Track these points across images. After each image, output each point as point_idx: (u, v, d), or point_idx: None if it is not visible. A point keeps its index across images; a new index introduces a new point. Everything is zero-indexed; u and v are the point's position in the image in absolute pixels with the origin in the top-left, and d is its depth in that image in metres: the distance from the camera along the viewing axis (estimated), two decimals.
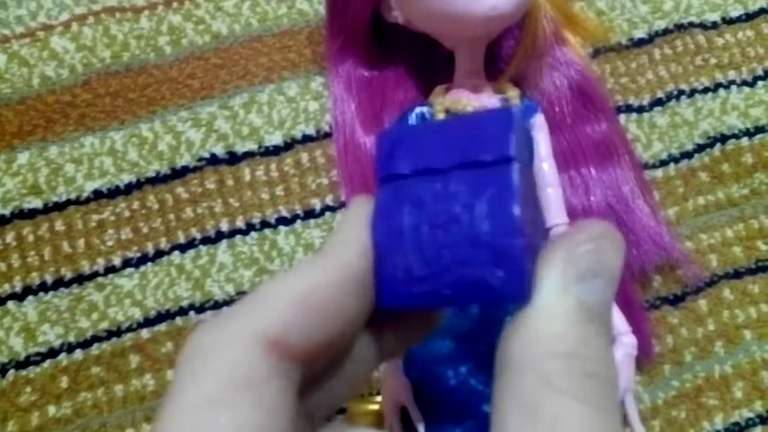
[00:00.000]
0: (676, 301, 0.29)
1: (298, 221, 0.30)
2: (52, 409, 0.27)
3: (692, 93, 0.32)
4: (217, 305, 0.29)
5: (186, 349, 0.12)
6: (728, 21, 0.33)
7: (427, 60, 0.30)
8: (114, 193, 0.30)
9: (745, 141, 0.31)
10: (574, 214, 0.27)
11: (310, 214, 0.30)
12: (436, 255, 0.12)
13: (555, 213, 0.26)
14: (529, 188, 0.13)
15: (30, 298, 0.29)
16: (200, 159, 0.31)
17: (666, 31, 0.33)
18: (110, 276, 0.29)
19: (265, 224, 0.30)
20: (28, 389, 0.28)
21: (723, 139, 0.31)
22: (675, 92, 0.32)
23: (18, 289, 0.29)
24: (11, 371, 0.28)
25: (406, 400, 0.24)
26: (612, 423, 0.11)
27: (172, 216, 0.30)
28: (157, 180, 0.30)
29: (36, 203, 0.30)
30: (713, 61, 0.33)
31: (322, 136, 0.31)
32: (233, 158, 0.31)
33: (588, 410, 0.11)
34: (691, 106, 0.32)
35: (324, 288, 0.12)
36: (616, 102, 0.32)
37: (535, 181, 0.27)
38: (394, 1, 0.27)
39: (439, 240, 0.12)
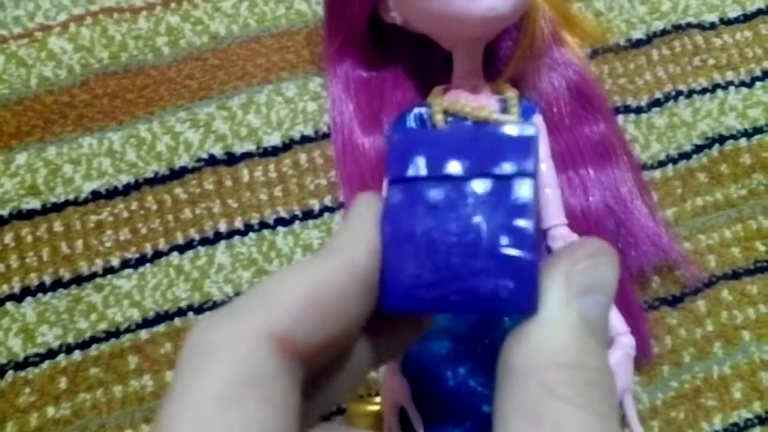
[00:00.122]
0: (674, 301, 0.29)
1: (297, 222, 0.30)
2: (50, 410, 0.27)
3: (690, 94, 0.32)
4: (215, 306, 0.29)
5: (187, 345, 0.12)
6: (726, 22, 0.33)
7: (425, 61, 0.30)
8: (112, 193, 0.30)
9: (743, 142, 0.31)
10: (572, 215, 0.27)
11: (308, 214, 0.30)
12: (447, 262, 0.13)
13: (553, 214, 0.26)
14: (537, 199, 0.13)
15: (28, 299, 0.29)
16: (198, 160, 0.31)
17: (664, 32, 0.33)
18: (109, 277, 0.29)
19: (263, 225, 0.30)
20: (27, 390, 0.28)
21: (721, 139, 0.31)
22: (673, 93, 0.32)
23: (16, 290, 0.29)
24: (10, 372, 0.28)
25: (405, 401, 0.24)
26: (611, 427, 0.12)
27: (170, 217, 0.30)
28: (156, 181, 0.30)
29: (34, 204, 0.30)
30: (711, 61, 0.33)
31: (321, 137, 0.31)
32: (231, 159, 0.31)
33: (589, 416, 0.11)
34: (689, 107, 0.32)
35: (330, 286, 0.12)
36: (615, 103, 0.32)
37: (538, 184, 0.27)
38: (392, 2, 0.27)
39: (452, 247, 0.13)
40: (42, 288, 0.29)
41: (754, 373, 0.29)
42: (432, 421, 0.23)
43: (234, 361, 0.11)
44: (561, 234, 0.26)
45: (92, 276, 0.29)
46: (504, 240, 0.12)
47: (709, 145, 0.31)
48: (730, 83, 0.32)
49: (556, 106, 0.29)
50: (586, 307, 0.12)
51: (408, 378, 0.24)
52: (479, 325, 0.24)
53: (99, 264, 0.29)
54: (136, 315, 0.29)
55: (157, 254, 0.29)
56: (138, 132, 0.31)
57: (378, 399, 0.25)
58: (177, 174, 0.30)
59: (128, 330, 0.28)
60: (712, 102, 0.32)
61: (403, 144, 0.14)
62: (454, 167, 0.13)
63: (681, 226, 0.30)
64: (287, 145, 0.31)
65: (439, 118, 0.26)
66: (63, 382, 0.28)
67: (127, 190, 0.30)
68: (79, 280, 0.29)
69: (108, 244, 0.30)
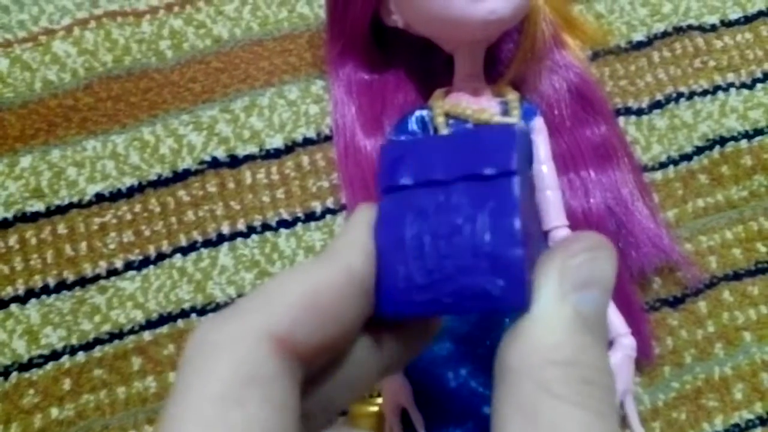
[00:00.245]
0: (675, 302, 0.29)
1: (299, 224, 0.30)
2: (54, 411, 0.28)
3: (691, 95, 0.32)
4: (218, 307, 0.29)
5: (189, 346, 0.12)
6: (727, 24, 0.33)
7: (426, 63, 0.30)
8: (116, 196, 0.30)
9: (744, 143, 0.32)
10: (573, 217, 0.27)
11: (310, 216, 0.30)
12: (437, 264, 0.13)
13: (554, 216, 0.26)
14: (528, 199, 0.13)
15: (33, 300, 0.29)
16: (201, 162, 0.31)
17: (665, 34, 0.33)
18: (112, 279, 0.29)
19: (266, 227, 0.30)
20: (31, 391, 0.28)
21: (722, 141, 0.32)
22: (674, 95, 0.32)
23: (21, 291, 0.29)
24: (14, 373, 0.28)
25: (407, 402, 0.24)
26: (610, 427, 0.11)
27: (173, 219, 0.30)
28: (159, 183, 0.30)
29: (38, 206, 0.30)
30: (712, 63, 0.33)
31: (323, 139, 0.31)
32: (234, 161, 0.31)
33: (587, 415, 0.11)
34: (690, 109, 0.32)
35: (328, 288, 0.12)
36: (615, 105, 0.32)
37: (535, 185, 0.27)
38: (393, 5, 0.27)
39: (441, 250, 0.13)
40: (46, 290, 0.29)
41: (756, 373, 0.29)
42: (433, 421, 0.23)
43: (235, 361, 0.11)
44: (562, 236, 0.26)
45: (96, 278, 0.29)
46: (491, 239, 0.12)
47: (710, 147, 0.31)
48: (731, 85, 0.32)
49: (557, 108, 0.29)
50: (581, 303, 0.12)
51: (409, 379, 0.24)
52: (480, 325, 0.24)
53: (103, 266, 0.29)
54: (139, 317, 0.29)
55: (161, 256, 0.30)
56: (141, 135, 0.31)
57: (380, 400, 0.25)
58: (180, 176, 0.31)
59: (132, 331, 0.29)
60: (713, 104, 0.32)
61: (391, 154, 0.14)
62: (440, 172, 0.13)
63: (682, 227, 0.30)
64: (290, 148, 0.31)
65: (440, 120, 0.26)
66: (67, 384, 0.28)
67: (130, 193, 0.30)
68: (82, 282, 0.29)
69: (111, 246, 0.30)
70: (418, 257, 0.13)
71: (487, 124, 0.26)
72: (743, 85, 0.32)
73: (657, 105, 0.32)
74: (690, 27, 0.33)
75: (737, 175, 0.31)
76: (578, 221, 0.28)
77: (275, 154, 0.31)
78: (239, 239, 0.30)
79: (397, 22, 0.27)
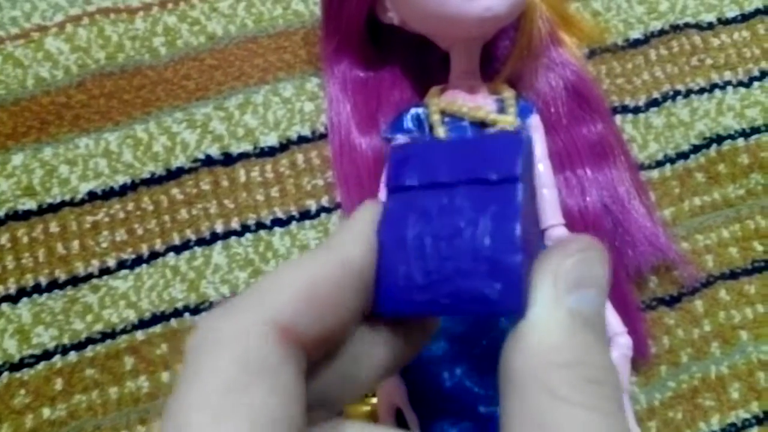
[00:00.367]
0: (672, 301, 0.29)
1: (294, 222, 0.30)
2: (46, 411, 0.27)
3: (688, 93, 0.32)
4: (211, 307, 0.29)
5: (191, 343, 0.12)
6: (724, 22, 0.33)
7: (422, 61, 0.30)
8: (108, 194, 0.30)
9: (740, 141, 0.31)
10: (569, 215, 0.27)
11: (305, 215, 0.30)
12: (437, 265, 0.13)
13: (550, 214, 0.26)
14: (529, 205, 0.13)
15: (24, 299, 0.29)
16: (195, 160, 0.31)
17: (662, 32, 0.33)
18: (105, 278, 0.29)
19: (260, 225, 0.30)
20: (22, 391, 0.28)
21: (719, 139, 0.31)
22: (671, 93, 0.32)
23: (12, 290, 0.29)
24: (5, 373, 0.28)
25: (401, 401, 0.24)
26: (619, 427, 0.11)
27: (167, 217, 0.30)
28: (152, 181, 0.30)
29: (30, 205, 0.30)
30: (709, 61, 0.33)
31: (318, 137, 0.31)
32: (228, 159, 0.31)
33: (595, 416, 0.11)
34: (686, 107, 0.32)
35: (326, 280, 0.13)
36: (612, 103, 0.32)
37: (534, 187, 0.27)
38: (389, 2, 0.27)
39: (442, 251, 0.13)
40: (38, 289, 0.29)
41: (752, 373, 0.29)
42: (428, 421, 0.23)
43: (241, 351, 0.11)
44: (558, 234, 0.26)
45: (88, 277, 0.29)
46: (491, 243, 0.12)
47: (707, 145, 0.31)
48: (728, 83, 0.32)
49: (553, 106, 0.29)
50: (578, 303, 0.12)
51: (404, 378, 0.24)
52: (476, 325, 0.24)
53: (95, 265, 0.29)
54: (132, 316, 0.29)
55: (154, 255, 0.29)
56: (135, 132, 0.31)
57: (374, 399, 0.25)
58: (174, 174, 0.30)
59: (124, 331, 0.28)
60: (710, 102, 0.32)
61: (398, 156, 0.14)
62: (445, 175, 0.13)
63: (679, 226, 0.30)
64: (284, 146, 0.31)
65: (436, 118, 0.26)
66: (58, 384, 0.28)
67: (123, 191, 0.30)
68: (75, 280, 0.29)
69: (104, 245, 0.29)
70: (419, 257, 0.13)
71: (484, 123, 0.26)
72: (740, 84, 0.32)
73: (654, 103, 0.32)
74: (687, 25, 0.33)
75: (734, 174, 0.31)
76: (574, 220, 0.27)
77: (270, 152, 0.31)
78: (233, 238, 0.30)
79: (392, 19, 0.27)
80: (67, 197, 0.30)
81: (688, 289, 0.29)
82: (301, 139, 0.31)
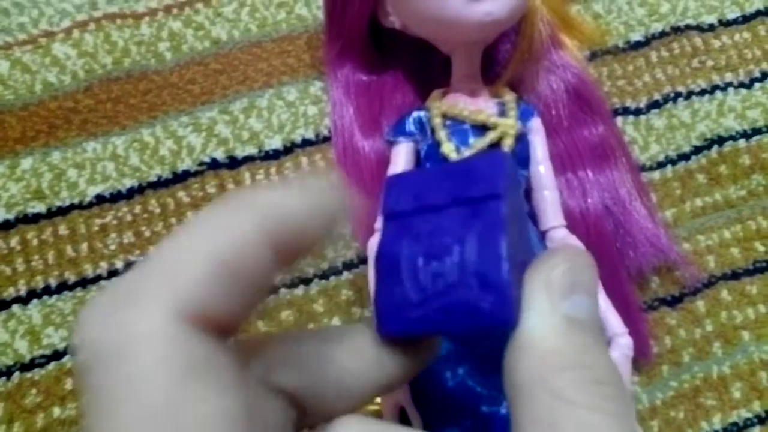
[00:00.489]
0: (674, 302, 0.30)
1: None
2: (56, 411, 0.28)
3: (689, 95, 0.32)
4: None
5: (86, 351, 0.10)
6: (725, 23, 0.33)
7: (424, 64, 0.30)
8: (116, 197, 0.30)
9: (742, 143, 0.32)
10: (571, 217, 0.27)
11: None
12: (429, 283, 0.13)
13: (551, 216, 0.26)
14: (516, 218, 0.14)
15: (34, 301, 0.29)
16: (201, 163, 0.31)
17: (663, 34, 0.33)
18: (113, 279, 0.29)
19: None
20: (33, 391, 0.28)
21: (720, 140, 0.32)
22: (672, 94, 0.32)
23: (23, 292, 0.29)
24: (16, 373, 0.28)
25: (405, 400, 0.24)
26: (625, 427, 0.12)
27: (173, 220, 0.30)
28: (159, 184, 0.31)
29: (40, 208, 0.30)
30: (710, 63, 0.33)
31: (322, 140, 0.31)
32: (234, 162, 0.31)
33: (603, 418, 0.11)
34: (688, 108, 0.32)
35: (239, 248, 0.11)
36: (613, 104, 0.32)
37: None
38: (390, 7, 0.27)
39: (433, 269, 0.13)
40: (48, 290, 0.29)
41: (754, 372, 0.29)
42: (431, 420, 0.24)
43: (161, 359, 0.09)
44: (559, 236, 0.26)
45: (97, 278, 0.29)
46: (478, 258, 0.13)
47: (708, 147, 0.32)
48: (729, 84, 0.32)
49: (554, 108, 0.29)
50: (572, 309, 0.13)
51: None
52: None
53: (103, 267, 0.30)
54: None
55: None
56: (141, 136, 0.31)
57: (378, 399, 0.25)
58: (180, 177, 0.31)
59: None
60: (711, 103, 0.32)
61: (392, 185, 0.15)
62: (434, 199, 0.14)
63: (680, 227, 0.30)
64: (288, 149, 0.31)
65: (437, 121, 0.26)
66: (69, 383, 0.28)
67: (130, 194, 0.31)
68: (84, 282, 0.29)
69: (112, 247, 0.30)
70: (412, 276, 0.14)
71: (485, 126, 0.26)
72: (741, 85, 0.32)
73: (655, 105, 0.32)
74: (688, 27, 0.33)
75: (735, 175, 0.31)
76: (576, 221, 0.28)
77: (274, 155, 0.31)
78: None
79: (394, 23, 0.27)
80: (76, 200, 0.30)
81: (690, 290, 0.30)
82: (305, 142, 0.31)
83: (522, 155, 0.27)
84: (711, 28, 0.33)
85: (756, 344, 0.29)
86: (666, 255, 0.29)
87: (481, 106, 0.27)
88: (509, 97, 0.27)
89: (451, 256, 0.13)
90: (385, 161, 0.28)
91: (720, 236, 0.30)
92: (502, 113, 0.27)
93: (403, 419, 0.24)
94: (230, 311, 0.11)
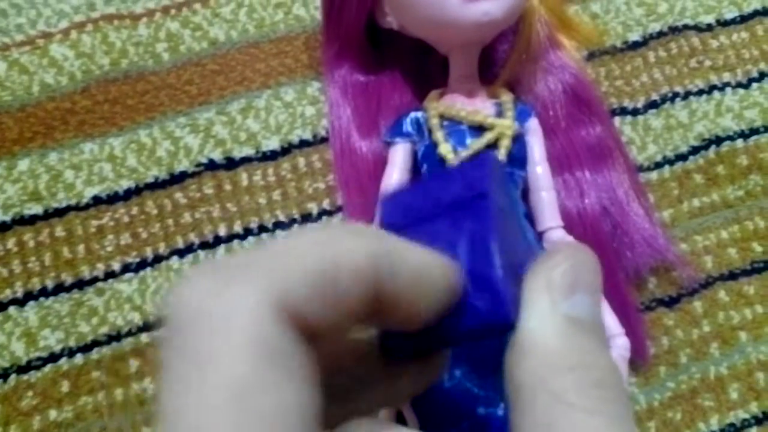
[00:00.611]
0: (671, 302, 0.30)
1: (296, 225, 0.30)
2: (53, 413, 0.28)
3: (687, 95, 0.32)
4: None
5: (181, 315, 0.10)
6: (723, 23, 0.33)
7: (422, 65, 0.30)
8: (113, 198, 0.30)
9: (739, 143, 0.32)
10: (568, 218, 0.27)
11: (307, 218, 0.30)
12: None
13: (549, 216, 0.26)
14: (508, 217, 0.14)
15: (31, 303, 0.29)
16: (198, 164, 0.31)
17: (660, 34, 0.33)
18: (110, 281, 0.29)
19: (262, 229, 0.30)
20: (30, 393, 0.28)
21: (718, 141, 0.32)
22: (669, 94, 0.32)
23: (19, 294, 0.29)
24: (13, 376, 0.28)
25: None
26: (626, 430, 0.11)
27: (170, 221, 0.30)
28: (156, 185, 0.31)
29: (36, 209, 0.30)
30: (708, 63, 0.33)
31: (319, 141, 0.31)
32: (231, 163, 0.31)
33: (603, 421, 0.11)
34: (685, 109, 0.32)
35: (349, 264, 0.11)
36: (611, 105, 0.32)
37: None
38: (388, 8, 0.27)
39: None
40: (44, 292, 0.29)
41: (751, 373, 0.29)
42: (428, 422, 0.24)
43: (250, 336, 0.10)
44: (557, 236, 0.26)
45: (94, 280, 0.29)
46: (470, 258, 0.13)
47: (706, 147, 0.32)
48: (727, 84, 0.32)
49: (552, 109, 0.29)
50: (573, 309, 0.12)
51: None
52: None
53: (100, 268, 0.30)
54: (137, 318, 0.29)
55: (158, 258, 0.30)
56: (138, 137, 0.31)
57: None
58: (177, 179, 0.31)
59: (129, 333, 0.29)
60: (709, 103, 0.32)
61: (387, 202, 0.15)
62: (428, 209, 0.14)
63: (677, 227, 0.30)
64: (286, 150, 0.31)
65: (434, 122, 0.26)
66: (65, 386, 0.28)
67: (127, 195, 0.30)
68: (80, 284, 0.29)
69: (109, 249, 0.30)
70: None
71: (483, 126, 0.26)
72: (739, 85, 0.32)
73: (653, 105, 0.32)
74: (686, 27, 0.33)
75: (733, 175, 0.31)
76: (573, 222, 0.28)
77: (272, 155, 0.31)
78: (236, 241, 0.30)
79: (391, 23, 0.27)
80: (73, 202, 0.30)
81: (687, 290, 0.29)
82: (303, 143, 0.31)
83: (519, 156, 0.27)
84: (709, 28, 0.33)
85: (753, 345, 0.29)
86: (663, 255, 0.29)
87: (478, 107, 0.27)
88: (506, 97, 0.27)
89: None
90: (382, 162, 0.28)
91: (717, 237, 0.30)
92: (500, 114, 0.27)
93: (400, 421, 0.24)
94: (319, 320, 0.11)
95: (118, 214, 0.30)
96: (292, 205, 0.31)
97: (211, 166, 0.31)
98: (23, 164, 0.31)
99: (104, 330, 0.29)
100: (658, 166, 0.31)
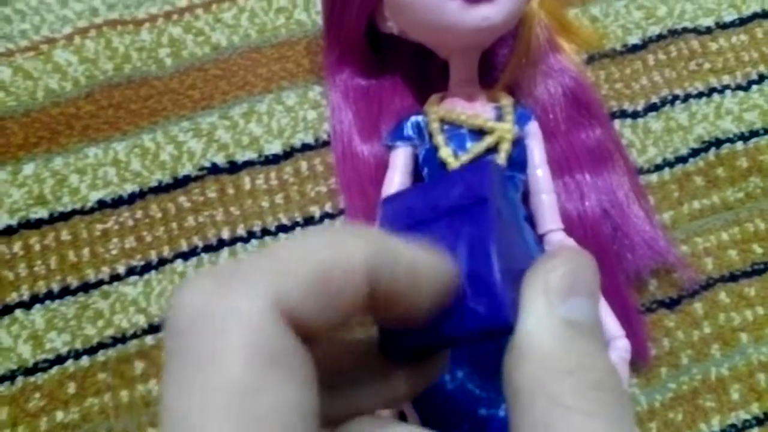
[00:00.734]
0: (672, 304, 0.30)
1: (298, 229, 0.31)
2: (59, 415, 0.28)
3: (687, 98, 0.32)
4: None
5: (183, 316, 0.10)
6: (722, 26, 0.33)
7: (422, 69, 0.30)
8: (117, 202, 0.31)
9: (739, 145, 0.32)
10: (568, 220, 0.28)
11: (309, 221, 0.31)
12: None
13: (549, 219, 0.27)
14: (507, 221, 0.14)
15: (37, 306, 0.29)
16: (201, 168, 0.31)
17: (660, 37, 0.33)
18: (115, 284, 0.30)
19: (265, 232, 0.30)
20: (37, 395, 0.28)
21: (717, 143, 0.32)
22: (669, 97, 0.32)
23: (25, 297, 0.30)
24: (20, 378, 0.28)
25: (404, 404, 0.24)
26: (625, 430, 0.11)
27: (174, 225, 0.31)
28: (160, 189, 0.31)
29: (42, 213, 0.31)
30: (707, 65, 0.33)
31: (321, 145, 0.31)
32: (234, 167, 0.31)
33: (601, 424, 0.11)
34: (685, 111, 0.32)
35: (344, 267, 0.11)
36: (611, 108, 0.32)
37: (531, 189, 0.27)
38: (388, 12, 0.27)
39: None
40: (50, 295, 0.30)
41: (752, 374, 0.29)
42: (430, 423, 0.24)
43: (251, 337, 0.10)
44: (557, 239, 0.27)
45: (99, 283, 0.30)
46: (469, 262, 0.13)
47: (706, 149, 0.32)
48: (727, 87, 0.33)
49: (552, 112, 0.29)
50: (571, 312, 0.12)
51: None
52: None
53: (105, 271, 0.30)
54: (142, 321, 0.29)
55: (162, 261, 0.30)
56: (142, 142, 0.32)
57: None
58: (180, 183, 0.31)
59: (134, 336, 0.29)
60: (709, 106, 0.32)
61: (387, 206, 0.15)
62: (428, 213, 0.14)
63: (678, 229, 0.31)
64: (288, 153, 0.31)
65: (435, 126, 0.27)
66: (71, 387, 0.28)
67: (132, 199, 0.31)
68: (86, 287, 0.30)
69: (114, 252, 0.30)
70: None
71: (483, 130, 0.26)
72: (738, 87, 0.33)
73: (652, 108, 0.32)
74: (685, 29, 0.33)
75: (733, 177, 0.31)
76: (573, 224, 0.28)
77: (274, 159, 0.31)
78: (239, 244, 0.30)
79: (392, 28, 0.27)
80: (78, 206, 0.31)
81: (688, 292, 0.30)
82: (305, 147, 0.32)
83: (519, 159, 0.27)
84: (708, 30, 0.33)
85: (754, 346, 0.29)
86: (664, 257, 0.29)
87: (478, 111, 0.27)
88: (506, 101, 0.27)
89: None
90: (383, 165, 0.28)
91: (718, 238, 0.31)
92: (500, 117, 0.27)
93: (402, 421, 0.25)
94: (316, 321, 0.11)
95: (123, 217, 0.31)
96: (294, 209, 0.31)
97: (214, 170, 0.31)
98: (28, 169, 0.31)
99: (110, 332, 0.29)
100: (658, 168, 0.31)
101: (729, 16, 0.34)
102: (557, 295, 0.13)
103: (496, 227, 0.13)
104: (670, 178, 0.31)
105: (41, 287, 0.30)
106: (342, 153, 0.30)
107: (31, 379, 0.28)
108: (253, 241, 0.30)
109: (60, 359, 0.29)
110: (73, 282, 0.30)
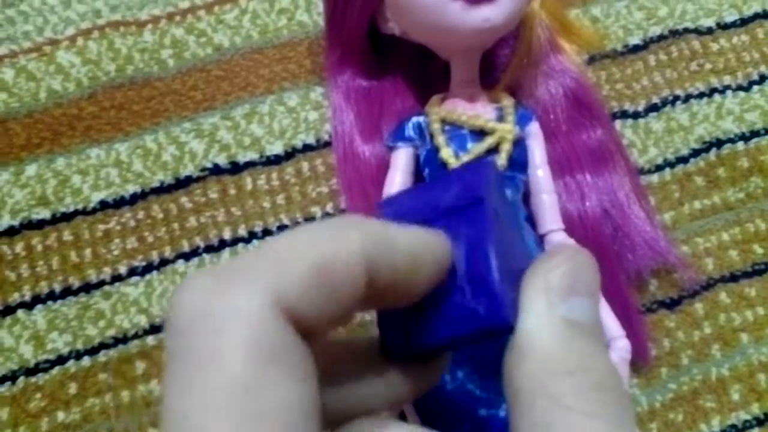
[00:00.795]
0: (672, 304, 0.30)
1: None
2: (61, 415, 0.28)
3: (687, 98, 0.32)
4: None
5: (183, 315, 0.10)
6: (723, 26, 0.33)
7: (423, 70, 0.30)
8: (119, 203, 0.31)
9: (740, 145, 0.32)
10: (569, 220, 0.28)
11: (310, 221, 0.31)
12: None
13: (550, 219, 0.27)
14: (504, 221, 0.14)
15: (39, 306, 0.30)
16: (203, 169, 0.31)
17: (661, 37, 0.33)
18: (117, 284, 0.30)
19: (267, 232, 0.31)
20: (38, 395, 0.28)
21: (718, 143, 0.32)
22: (670, 98, 0.32)
23: (27, 297, 0.30)
24: (21, 378, 0.29)
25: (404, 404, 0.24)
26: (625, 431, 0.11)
27: (176, 225, 0.31)
28: (162, 190, 0.31)
29: (44, 214, 0.31)
30: (708, 66, 0.33)
31: (322, 146, 0.32)
32: (235, 168, 0.31)
33: (602, 425, 0.11)
34: (686, 111, 0.32)
35: (344, 261, 0.11)
36: (612, 108, 0.32)
37: (532, 189, 0.27)
38: (389, 13, 0.27)
39: None
40: (52, 296, 0.30)
41: (752, 374, 0.29)
42: (430, 423, 0.24)
43: (251, 335, 0.10)
44: (558, 239, 0.27)
45: (101, 284, 0.30)
46: (468, 262, 0.13)
47: (707, 149, 0.32)
48: (728, 87, 0.33)
49: (553, 113, 0.29)
50: (571, 311, 0.12)
51: None
52: None
53: (107, 272, 0.30)
54: (143, 321, 0.29)
55: (164, 262, 0.30)
56: (144, 143, 0.32)
57: None
58: (182, 183, 0.31)
59: (136, 336, 0.29)
60: (710, 106, 0.32)
61: (385, 206, 0.15)
62: (426, 213, 0.14)
63: (679, 229, 0.31)
64: (289, 154, 0.32)
65: (436, 126, 0.27)
66: (73, 388, 0.28)
67: (133, 200, 0.31)
68: (87, 287, 0.30)
69: (116, 253, 0.30)
70: None
71: (483, 131, 0.26)
72: (739, 88, 0.33)
73: (653, 108, 0.32)
74: (686, 30, 0.33)
75: (734, 177, 0.31)
76: (574, 224, 0.28)
77: (275, 160, 0.31)
78: (240, 245, 0.30)
79: (393, 29, 0.27)
80: (80, 206, 0.31)
81: (689, 292, 0.30)
82: (306, 148, 0.32)
83: (520, 160, 0.27)
84: (709, 31, 0.33)
85: (755, 346, 0.29)
86: (664, 258, 0.29)
87: (479, 111, 0.27)
88: (507, 101, 0.27)
89: None
90: (385, 166, 0.29)
91: (718, 239, 0.31)
92: (501, 118, 0.27)
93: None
94: (316, 317, 0.11)
95: (125, 218, 0.31)
96: (295, 209, 0.31)
97: (216, 170, 0.31)
98: (31, 169, 0.31)
99: (111, 333, 0.29)
100: (659, 168, 0.31)
101: (730, 17, 0.34)
102: (557, 295, 0.12)
103: (493, 227, 0.13)
104: (670, 178, 0.31)
105: (43, 287, 0.30)
106: (343, 153, 0.30)
107: (33, 379, 0.29)
108: (255, 242, 0.30)
109: (61, 359, 0.29)
110: (75, 282, 0.30)
